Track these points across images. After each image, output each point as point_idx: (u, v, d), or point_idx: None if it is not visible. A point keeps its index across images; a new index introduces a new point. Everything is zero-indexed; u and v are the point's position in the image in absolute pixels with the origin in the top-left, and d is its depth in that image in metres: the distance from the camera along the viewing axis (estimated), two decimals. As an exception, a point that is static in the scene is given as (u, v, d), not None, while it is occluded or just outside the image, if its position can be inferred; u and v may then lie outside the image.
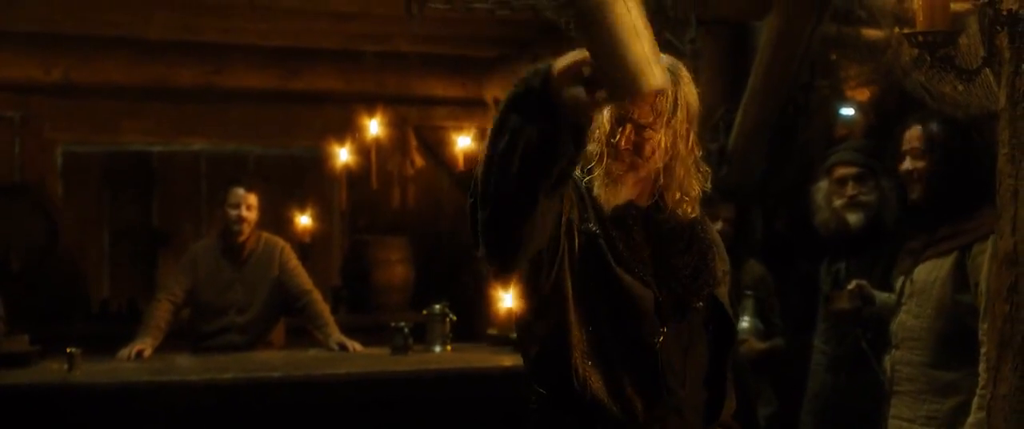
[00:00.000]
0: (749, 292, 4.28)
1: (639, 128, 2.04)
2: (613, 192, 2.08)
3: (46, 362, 4.37)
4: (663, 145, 2.05)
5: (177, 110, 7.39)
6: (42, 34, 6.73)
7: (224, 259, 5.08)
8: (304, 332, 5.39)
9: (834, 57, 5.28)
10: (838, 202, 3.91)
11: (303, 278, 5.14)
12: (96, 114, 7.26)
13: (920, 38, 2.66)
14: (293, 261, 5.18)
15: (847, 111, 5.63)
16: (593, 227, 2.05)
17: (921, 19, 2.65)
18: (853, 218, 3.85)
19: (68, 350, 4.16)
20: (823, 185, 4.03)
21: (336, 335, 4.96)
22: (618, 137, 2.04)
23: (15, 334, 4.53)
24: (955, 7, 2.84)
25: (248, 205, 5.04)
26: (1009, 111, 2.67)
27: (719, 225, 4.35)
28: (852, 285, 3.58)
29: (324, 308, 5.17)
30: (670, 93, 2.02)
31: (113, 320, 6.96)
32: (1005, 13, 2.62)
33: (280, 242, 5.25)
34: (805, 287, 4.29)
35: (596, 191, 2.08)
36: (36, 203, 6.90)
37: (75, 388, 3.94)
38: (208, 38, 6.90)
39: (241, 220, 5.02)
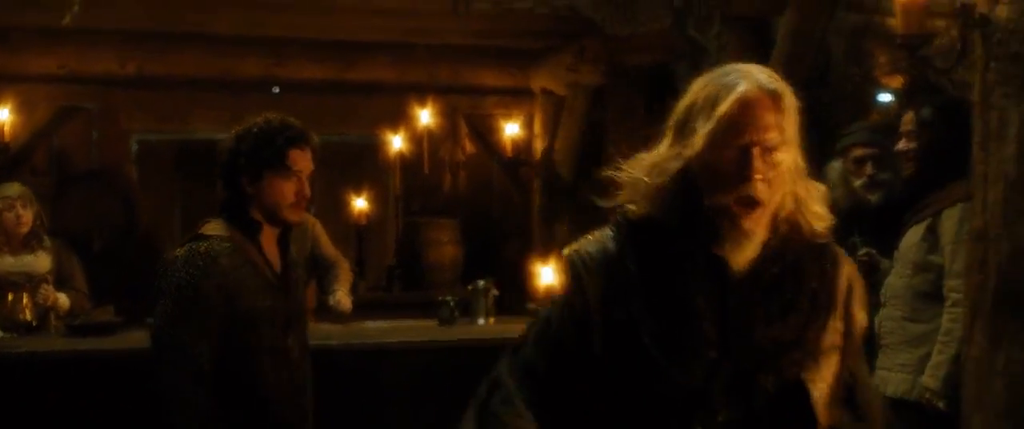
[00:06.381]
0: None
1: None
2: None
3: (129, 331, 4.78)
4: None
5: (241, 100, 7.71)
6: (118, 30, 7.03)
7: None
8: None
9: (868, 45, 5.54)
10: (858, 182, 4.01)
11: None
12: (168, 105, 7.53)
13: (899, 40, 3.00)
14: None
15: (884, 97, 5.83)
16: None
17: (900, 23, 2.98)
18: (874, 197, 3.97)
19: (147, 320, 4.57)
20: (837, 164, 4.10)
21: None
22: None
23: (102, 306, 5.00)
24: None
25: None
26: (980, 104, 2.99)
27: None
28: (862, 252, 3.73)
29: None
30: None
31: (185, 296, 7.38)
32: (977, 17, 2.95)
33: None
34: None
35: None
36: (114, 188, 7.24)
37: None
38: (270, 32, 7.16)
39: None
